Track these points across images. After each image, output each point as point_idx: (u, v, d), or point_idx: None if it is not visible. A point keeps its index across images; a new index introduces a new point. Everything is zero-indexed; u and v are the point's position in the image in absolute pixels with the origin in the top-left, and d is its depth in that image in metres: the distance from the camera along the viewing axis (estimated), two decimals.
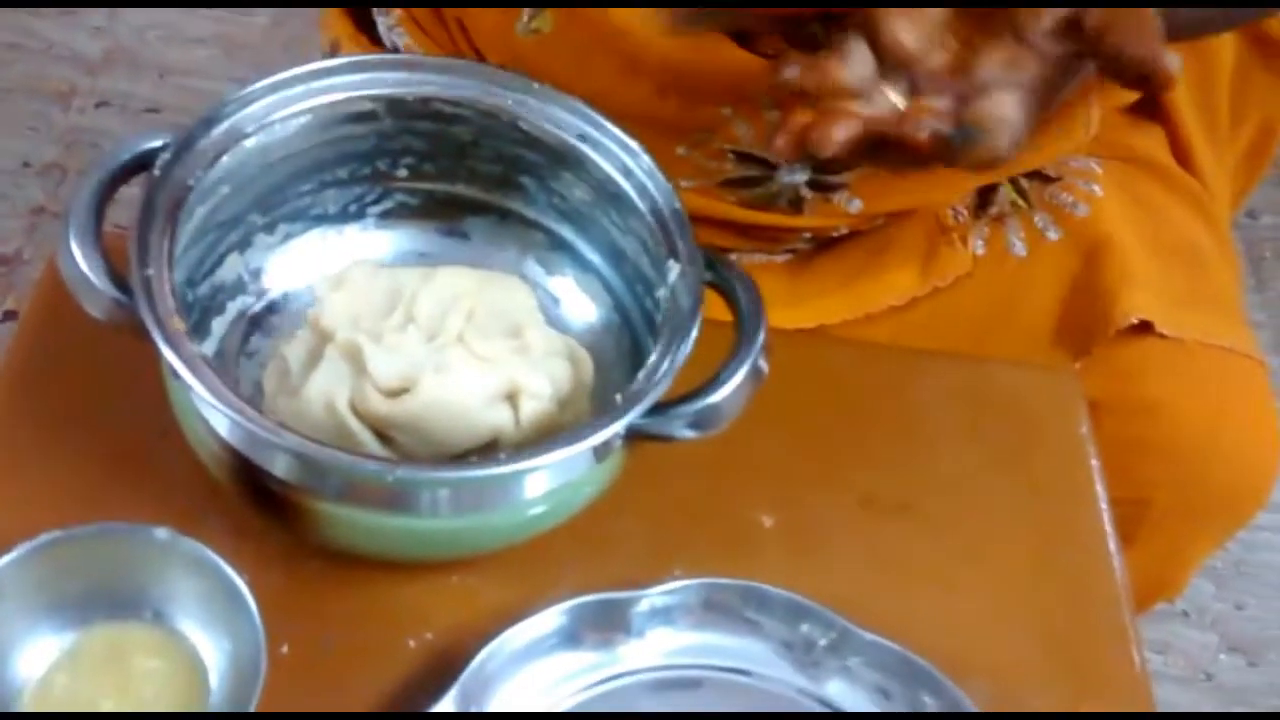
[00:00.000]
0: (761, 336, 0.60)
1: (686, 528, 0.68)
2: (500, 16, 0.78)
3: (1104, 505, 0.73)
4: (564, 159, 0.67)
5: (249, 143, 0.62)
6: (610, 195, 0.66)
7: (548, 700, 0.60)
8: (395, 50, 0.89)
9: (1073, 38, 0.54)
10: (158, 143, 0.60)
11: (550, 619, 0.61)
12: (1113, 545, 0.71)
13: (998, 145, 0.54)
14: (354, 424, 0.59)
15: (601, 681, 0.61)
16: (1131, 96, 0.90)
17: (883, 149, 0.55)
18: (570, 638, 0.61)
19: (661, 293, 0.62)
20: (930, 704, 0.61)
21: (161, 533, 0.58)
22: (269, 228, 0.68)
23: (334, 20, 0.94)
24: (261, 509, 0.59)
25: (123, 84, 1.70)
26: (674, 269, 0.62)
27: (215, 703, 0.57)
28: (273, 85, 0.63)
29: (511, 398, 0.61)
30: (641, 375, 0.58)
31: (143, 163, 0.60)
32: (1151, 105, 0.93)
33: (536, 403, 0.61)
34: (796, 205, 0.83)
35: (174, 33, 1.76)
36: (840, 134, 0.54)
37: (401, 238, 0.71)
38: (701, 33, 0.59)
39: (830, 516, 0.69)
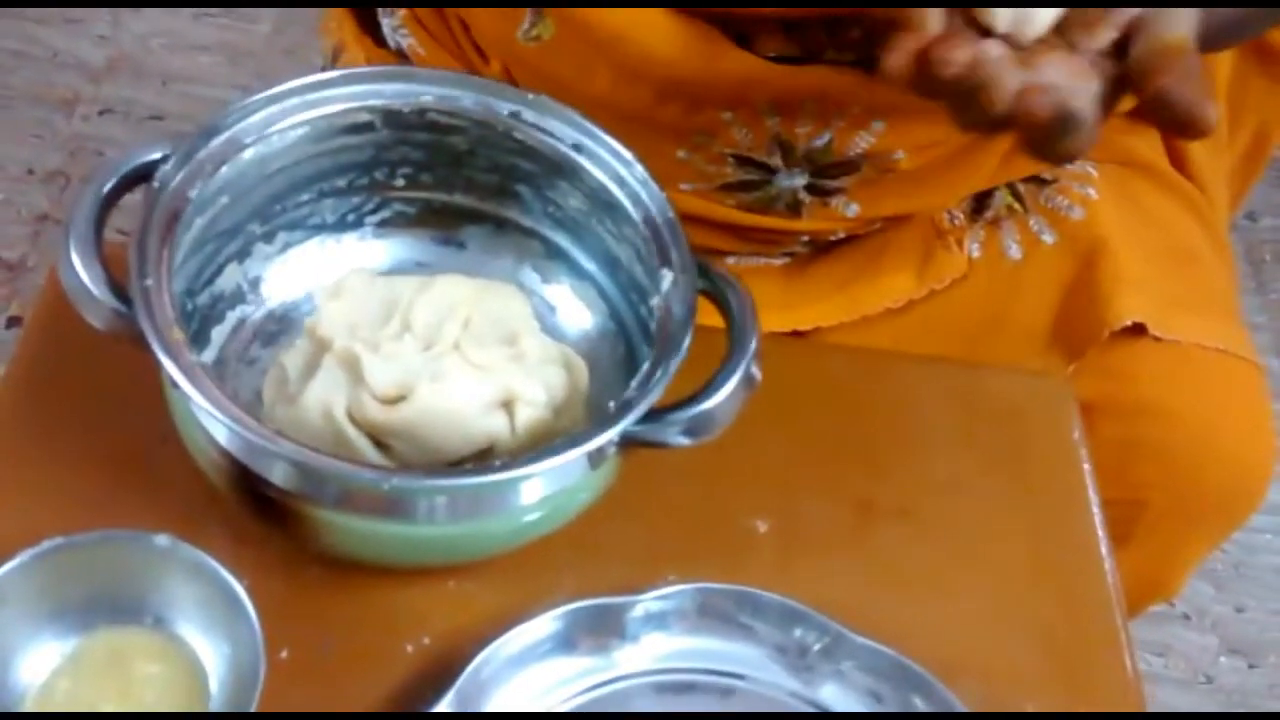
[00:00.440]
0: (754, 344, 0.61)
1: (681, 533, 0.68)
2: (502, 24, 0.79)
3: (1095, 509, 0.73)
4: (559, 168, 0.67)
5: (247, 154, 0.63)
6: (605, 204, 0.67)
7: (543, 704, 0.61)
8: (400, 52, 0.90)
9: (1121, 65, 0.55)
10: (157, 154, 0.61)
11: (545, 624, 0.61)
12: (1104, 549, 0.71)
13: (1088, 139, 0.54)
14: (351, 432, 0.60)
15: (597, 686, 0.62)
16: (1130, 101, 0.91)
17: (970, 100, 0.55)
18: (565, 643, 0.62)
19: (655, 301, 0.63)
20: (922, 707, 0.62)
21: (162, 539, 0.58)
22: (268, 237, 0.68)
23: (338, 23, 0.94)
24: (260, 516, 0.60)
25: (126, 91, 1.71)
26: (667, 277, 0.63)
27: (216, 707, 0.58)
28: (271, 97, 0.64)
29: (507, 405, 0.62)
30: (635, 383, 0.59)
31: (143, 174, 0.60)
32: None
33: (532, 410, 0.62)
34: (794, 209, 0.83)
35: (177, 40, 1.77)
36: (962, 55, 0.54)
37: (399, 246, 0.72)
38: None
39: (825, 521, 0.70)
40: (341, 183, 0.69)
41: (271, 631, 0.57)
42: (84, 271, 0.57)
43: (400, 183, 0.70)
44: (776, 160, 0.79)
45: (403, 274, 0.70)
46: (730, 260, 0.87)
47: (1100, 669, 0.67)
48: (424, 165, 0.69)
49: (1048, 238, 0.89)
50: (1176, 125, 0.54)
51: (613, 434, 0.57)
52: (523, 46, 0.77)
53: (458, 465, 0.62)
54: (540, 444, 0.61)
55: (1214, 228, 0.94)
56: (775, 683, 0.63)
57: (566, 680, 0.62)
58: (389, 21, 0.88)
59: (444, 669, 0.60)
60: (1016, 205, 0.90)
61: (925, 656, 0.62)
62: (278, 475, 0.57)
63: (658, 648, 0.63)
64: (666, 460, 0.61)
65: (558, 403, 0.63)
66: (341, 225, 0.71)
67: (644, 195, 0.65)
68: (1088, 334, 0.86)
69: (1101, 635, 0.68)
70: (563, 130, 0.67)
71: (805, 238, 0.87)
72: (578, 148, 0.67)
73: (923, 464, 0.73)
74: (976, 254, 0.89)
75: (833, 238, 0.87)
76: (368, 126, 0.66)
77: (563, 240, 0.71)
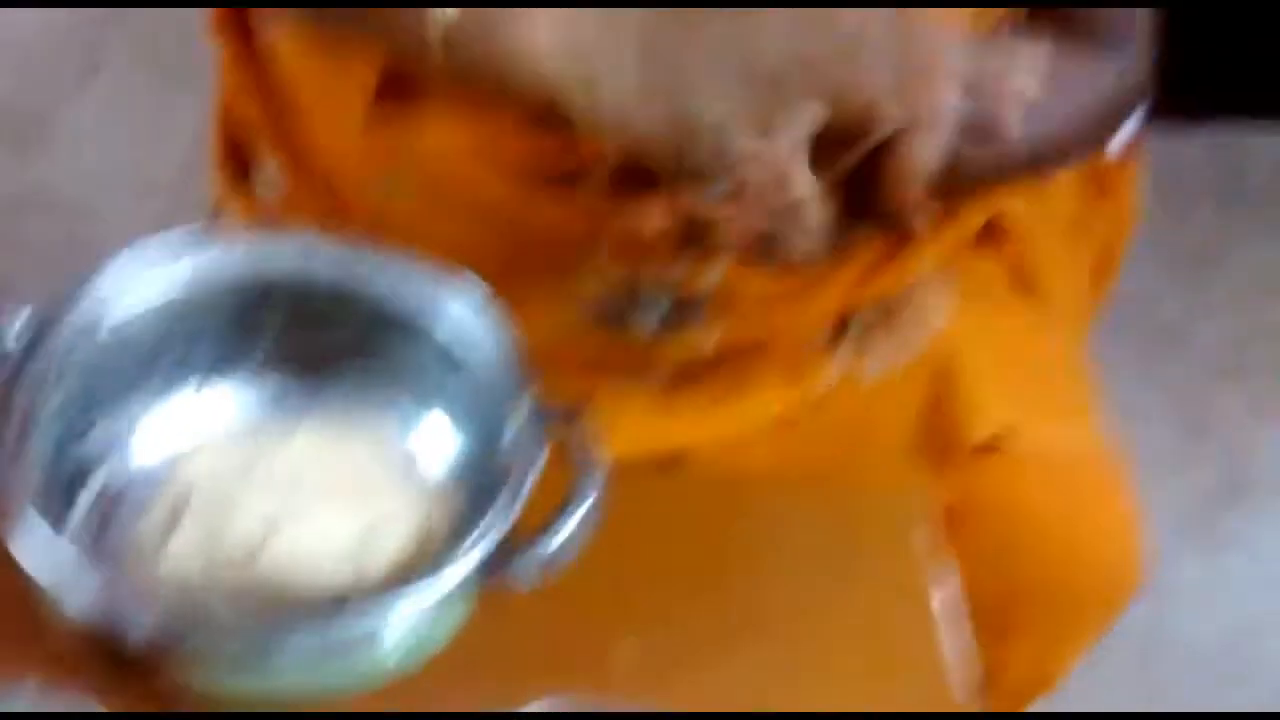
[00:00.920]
0: (598, 476, 0.64)
1: (546, 653, 0.70)
2: (364, 181, 0.83)
3: (942, 617, 0.76)
4: (415, 317, 0.71)
5: (108, 322, 0.66)
6: (459, 349, 0.70)
7: None
8: (272, 208, 0.94)
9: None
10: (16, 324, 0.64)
11: None
12: (952, 654, 0.75)
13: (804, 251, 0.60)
14: (210, 586, 0.62)
15: None
16: (976, 224, 0.96)
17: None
18: None
19: (504, 442, 0.66)
20: None
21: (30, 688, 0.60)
22: (135, 397, 0.71)
23: (216, 178, 0.98)
24: (123, 671, 0.62)
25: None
26: (514, 418, 0.66)
27: None
28: (129, 264, 0.67)
29: (365, 551, 0.65)
30: (480, 527, 0.62)
31: None
32: (993, 228, 0.99)
33: (389, 555, 0.65)
34: (658, 339, 0.87)
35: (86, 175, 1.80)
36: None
37: (267, 397, 0.74)
38: None
39: (688, 646, 0.73)
40: (207, 340, 0.72)
41: None
42: None
43: (266, 336, 0.73)
44: (634, 294, 0.83)
45: (270, 424, 0.72)
46: (596, 390, 0.91)
47: None
48: (286, 321, 0.72)
49: (904, 356, 0.93)
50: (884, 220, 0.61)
51: (460, 574, 0.60)
52: (385, 204, 0.81)
53: (322, 609, 0.64)
54: (398, 588, 0.63)
55: (1065, 337, 0.99)
56: None
57: None
58: (262, 179, 0.92)
59: None
60: (874, 326, 0.94)
61: None
62: (135, 634, 0.59)
63: None
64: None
65: (415, 546, 0.66)
66: (210, 380, 0.73)
67: (493, 339, 0.69)
68: (948, 448, 0.90)
69: None
70: (416, 281, 0.70)
71: (670, 365, 0.90)
72: (432, 298, 0.70)
73: (783, 581, 0.76)
74: (839, 372, 0.93)
75: (698, 363, 0.91)
76: (228, 286, 0.70)
77: (424, 386, 0.74)
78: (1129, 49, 0.82)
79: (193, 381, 0.72)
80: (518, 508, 0.62)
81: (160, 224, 0.69)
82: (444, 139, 0.80)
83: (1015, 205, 0.94)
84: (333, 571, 0.64)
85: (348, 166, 0.85)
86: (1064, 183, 0.98)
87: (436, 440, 0.74)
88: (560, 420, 0.66)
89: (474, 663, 0.68)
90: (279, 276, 0.69)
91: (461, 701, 0.66)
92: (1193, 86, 1.35)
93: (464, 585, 0.61)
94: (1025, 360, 0.94)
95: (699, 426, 0.92)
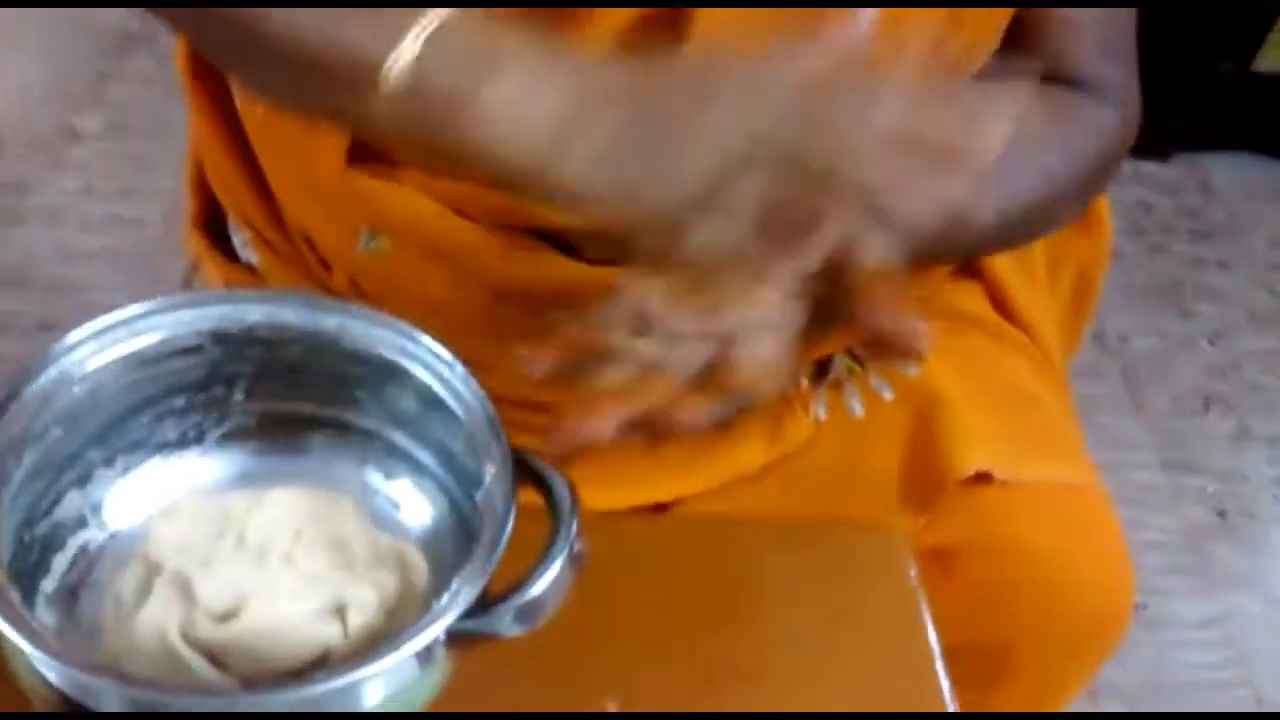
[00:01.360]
0: (574, 525, 0.63)
1: (533, 709, 0.69)
2: (340, 237, 0.83)
3: (937, 656, 0.75)
4: (388, 372, 0.70)
5: (77, 388, 0.65)
6: (433, 402, 0.69)
7: None
8: (251, 266, 0.94)
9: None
10: None
11: None
12: (946, 694, 0.74)
13: (764, 393, 0.57)
14: (185, 652, 0.61)
15: None
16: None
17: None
18: None
19: (480, 494, 0.65)
20: None
21: None
22: (108, 461, 0.70)
23: (192, 239, 0.98)
24: None
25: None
26: (489, 471, 0.65)
27: None
28: (96, 331, 0.66)
29: (339, 612, 0.64)
30: (456, 581, 0.61)
31: None
32: (970, 263, 0.99)
33: (364, 615, 0.64)
34: None
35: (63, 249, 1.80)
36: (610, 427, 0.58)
37: (242, 458, 0.74)
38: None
39: (674, 694, 0.72)
40: (179, 402, 0.71)
41: None
42: None
43: (238, 396, 0.72)
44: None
45: (248, 484, 0.71)
46: None
47: None
48: (259, 378, 0.72)
49: (887, 395, 0.93)
50: (896, 356, 0.58)
51: (436, 632, 0.59)
52: (362, 258, 0.81)
53: (296, 674, 0.63)
54: (373, 647, 0.62)
55: (1046, 370, 0.99)
56: None
57: None
58: (238, 238, 0.91)
59: None
60: (855, 366, 0.94)
61: None
62: (109, 706, 0.58)
63: None
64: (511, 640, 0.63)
65: (390, 605, 0.65)
66: (183, 442, 0.72)
67: (465, 393, 0.68)
68: (935, 485, 0.89)
69: None
70: (387, 336, 0.70)
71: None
72: (402, 351, 0.70)
73: (767, 625, 0.75)
74: (823, 415, 0.93)
75: None
76: (197, 349, 0.69)
77: (401, 438, 0.73)
78: (1115, 98, 0.82)
79: (167, 439, 0.72)
80: (495, 560, 0.61)
81: (136, 294, 0.68)
82: (418, 198, 0.80)
83: None
84: (311, 632, 0.63)
85: (324, 220, 0.85)
86: None
87: (416, 486, 0.73)
88: (540, 468, 0.65)
89: None
90: (250, 327, 0.69)
91: None
92: (1163, 119, 1.35)
93: (442, 641, 0.60)
94: (1008, 391, 0.94)
95: (683, 479, 0.91)
